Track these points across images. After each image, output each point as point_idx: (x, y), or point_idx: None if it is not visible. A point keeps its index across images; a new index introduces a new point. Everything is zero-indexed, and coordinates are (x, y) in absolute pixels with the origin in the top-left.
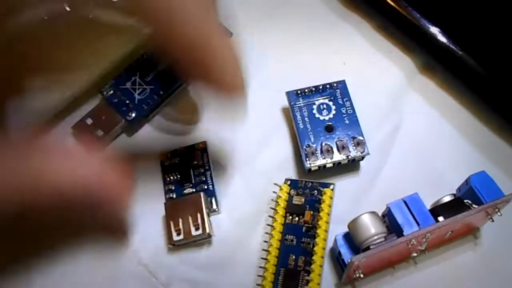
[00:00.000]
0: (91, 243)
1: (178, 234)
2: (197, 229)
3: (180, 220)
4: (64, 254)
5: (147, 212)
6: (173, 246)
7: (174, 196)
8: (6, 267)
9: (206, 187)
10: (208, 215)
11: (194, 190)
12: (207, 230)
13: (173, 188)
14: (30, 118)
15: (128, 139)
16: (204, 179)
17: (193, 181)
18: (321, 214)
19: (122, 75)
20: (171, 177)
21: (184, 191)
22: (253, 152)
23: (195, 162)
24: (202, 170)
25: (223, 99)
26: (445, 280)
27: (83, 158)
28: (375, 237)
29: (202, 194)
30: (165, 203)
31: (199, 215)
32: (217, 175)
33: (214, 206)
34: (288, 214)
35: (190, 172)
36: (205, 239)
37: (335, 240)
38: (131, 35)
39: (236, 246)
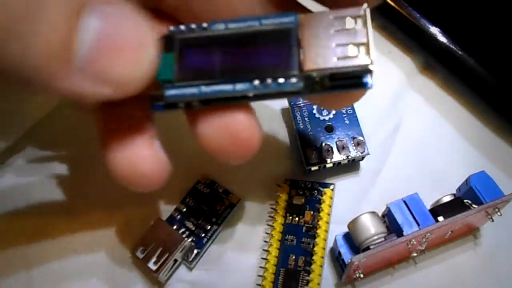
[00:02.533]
0: None
1: (142, 252)
2: (155, 263)
3: (153, 243)
4: None
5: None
6: (132, 255)
7: (178, 218)
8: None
9: (203, 235)
10: (175, 262)
11: (193, 229)
12: (160, 274)
13: (183, 210)
14: None
15: None
16: (208, 227)
17: (199, 221)
18: (321, 214)
19: None
20: (190, 202)
21: (185, 222)
22: None
23: (216, 208)
24: (214, 219)
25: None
26: (445, 280)
27: None
28: (375, 237)
29: (187, 242)
30: (157, 219)
31: (166, 255)
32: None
33: (190, 259)
34: (288, 214)
35: (204, 211)
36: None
37: (335, 240)
38: None
39: (236, 246)
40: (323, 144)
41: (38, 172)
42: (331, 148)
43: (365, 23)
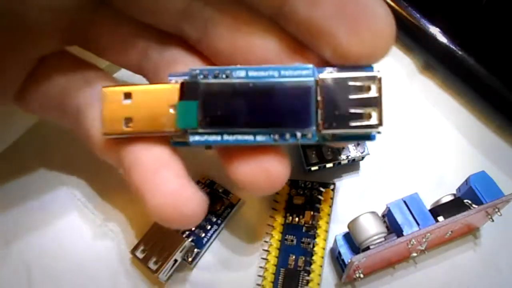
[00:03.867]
0: None
1: (142, 252)
2: (155, 263)
3: (153, 243)
4: None
5: None
6: (132, 255)
7: None
8: None
9: (203, 235)
10: (176, 262)
11: (193, 229)
12: (159, 274)
13: None
14: None
15: None
16: (208, 227)
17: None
18: (321, 214)
19: None
20: None
21: None
22: None
23: (216, 208)
24: (214, 219)
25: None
26: (445, 280)
27: None
28: (375, 237)
29: (187, 242)
30: (156, 223)
31: (166, 255)
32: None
33: (190, 259)
34: (288, 214)
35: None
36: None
37: (335, 240)
38: None
39: (236, 246)
40: (323, 144)
41: (37, 172)
42: (331, 148)
43: (379, 88)
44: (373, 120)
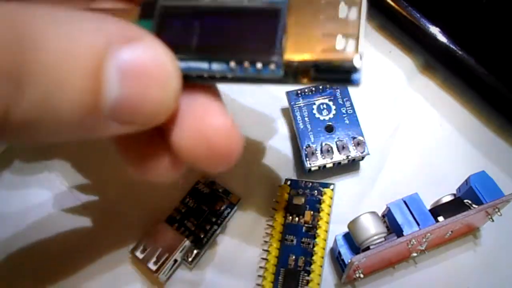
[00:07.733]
0: None
1: (142, 252)
2: (155, 263)
3: (153, 243)
4: None
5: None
6: (132, 255)
7: (178, 218)
8: None
9: (202, 235)
10: (175, 262)
11: (193, 229)
12: (160, 274)
13: (182, 210)
14: None
15: None
16: (208, 227)
17: (199, 221)
18: (321, 214)
19: None
20: (190, 202)
21: (185, 222)
22: (253, 152)
23: (216, 208)
24: (214, 219)
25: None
26: (445, 280)
27: None
28: (375, 237)
29: (187, 242)
30: (157, 219)
31: (166, 255)
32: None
33: (190, 259)
34: (288, 214)
35: (204, 211)
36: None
37: (335, 240)
38: None
39: (236, 246)
40: (323, 144)
41: (37, 172)
42: (331, 148)
43: (359, 13)
44: (349, 53)
